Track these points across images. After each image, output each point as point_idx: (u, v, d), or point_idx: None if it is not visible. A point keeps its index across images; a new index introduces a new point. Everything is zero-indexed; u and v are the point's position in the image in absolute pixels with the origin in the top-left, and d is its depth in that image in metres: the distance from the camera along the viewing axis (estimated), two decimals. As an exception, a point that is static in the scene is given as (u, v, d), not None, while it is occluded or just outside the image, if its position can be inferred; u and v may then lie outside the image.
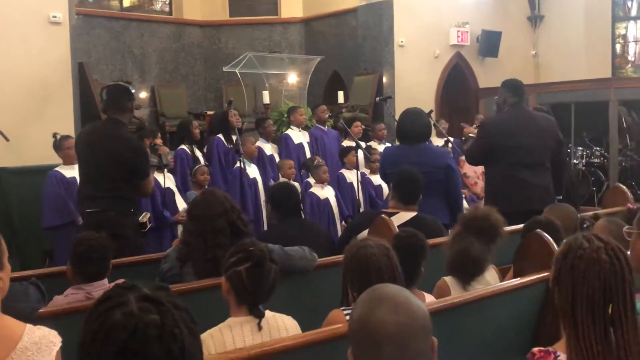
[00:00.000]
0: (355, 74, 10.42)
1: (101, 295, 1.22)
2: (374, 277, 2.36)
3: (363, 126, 8.23)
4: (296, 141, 7.42)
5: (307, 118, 7.91)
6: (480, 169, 7.39)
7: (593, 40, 11.57)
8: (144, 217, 4.39)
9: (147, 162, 4.34)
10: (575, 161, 9.80)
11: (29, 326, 1.72)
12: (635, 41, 11.94)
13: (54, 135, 5.75)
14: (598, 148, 10.02)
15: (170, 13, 11.26)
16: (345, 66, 10.72)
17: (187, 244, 3.09)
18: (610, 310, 1.68)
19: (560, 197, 4.99)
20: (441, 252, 3.14)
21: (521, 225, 3.55)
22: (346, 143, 7.71)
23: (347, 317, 2.37)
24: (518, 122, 4.86)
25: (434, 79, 10.67)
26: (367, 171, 7.17)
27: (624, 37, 12.02)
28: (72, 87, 7.04)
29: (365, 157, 6.95)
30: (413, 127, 4.78)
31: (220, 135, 6.72)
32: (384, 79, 10.05)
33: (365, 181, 6.96)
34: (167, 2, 11.28)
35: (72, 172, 5.45)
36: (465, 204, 5.80)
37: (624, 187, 5.23)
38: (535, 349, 1.77)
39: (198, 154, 6.64)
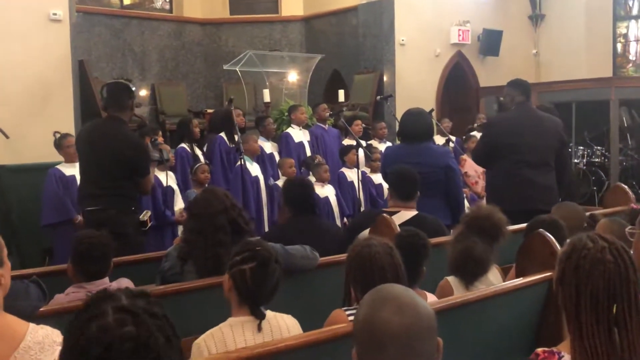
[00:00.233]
0: (355, 72, 10.42)
1: (81, 306, 1.26)
2: (377, 276, 2.35)
3: (364, 125, 8.21)
4: (296, 140, 7.42)
5: (307, 116, 7.91)
6: (481, 168, 7.39)
7: (594, 40, 11.56)
8: (145, 215, 4.39)
9: (147, 160, 4.33)
10: (576, 160, 9.80)
11: (32, 325, 1.71)
12: (637, 40, 11.93)
13: (55, 134, 5.75)
14: (599, 147, 10.02)
15: (170, 11, 11.25)
16: (345, 64, 10.71)
17: (188, 242, 3.09)
18: (614, 311, 1.67)
19: (560, 198, 4.98)
20: (443, 251, 3.13)
21: (524, 225, 3.54)
22: (347, 142, 7.71)
23: (349, 318, 2.36)
24: (524, 121, 4.85)
25: (434, 78, 10.66)
26: (367, 170, 7.17)
27: (625, 36, 12.01)
28: (72, 85, 7.02)
29: (366, 155, 6.94)
30: (415, 127, 4.77)
31: (222, 134, 6.70)
32: (385, 78, 10.04)
33: (365, 180, 6.96)
34: (167, 0, 11.27)
35: (72, 170, 5.46)
36: (466, 203, 5.79)
37: (625, 186, 5.22)
38: (539, 350, 1.76)
39: (198, 152, 6.63)
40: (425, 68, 10.45)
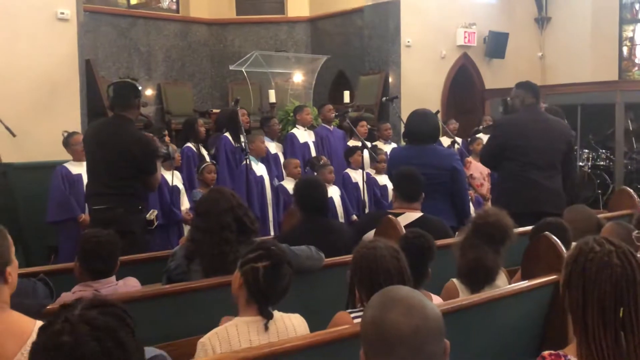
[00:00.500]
0: (361, 73, 10.41)
1: (46, 322, 1.34)
2: (382, 279, 2.35)
3: (369, 126, 8.22)
4: (302, 140, 7.42)
5: (313, 117, 7.91)
6: (486, 170, 7.39)
7: (600, 43, 11.54)
8: (152, 214, 4.40)
9: (155, 157, 4.32)
10: (580, 163, 9.78)
11: (39, 323, 1.72)
12: (643, 44, 11.91)
13: (63, 132, 5.77)
14: (604, 151, 10.00)
15: (177, 11, 11.26)
16: (351, 66, 10.71)
17: (194, 240, 3.10)
18: (621, 314, 1.67)
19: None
20: (448, 253, 3.12)
21: (530, 227, 3.54)
22: (352, 143, 7.71)
23: (354, 320, 2.36)
24: (532, 123, 4.82)
25: (440, 80, 10.66)
26: (372, 171, 7.17)
27: (631, 39, 11.98)
28: (79, 84, 7.06)
29: (371, 157, 6.94)
30: (421, 129, 4.76)
31: (227, 134, 6.71)
32: (390, 79, 10.04)
33: (370, 181, 6.96)
34: (174, 0, 11.29)
35: (79, 168, 5.47)
36: (471, 205, 5.78)
37: (631, 190, 5.21)
38: (546, 353, 1.76)
39: (204, 152, 6.64)
40: (430, 70, 10.44)
